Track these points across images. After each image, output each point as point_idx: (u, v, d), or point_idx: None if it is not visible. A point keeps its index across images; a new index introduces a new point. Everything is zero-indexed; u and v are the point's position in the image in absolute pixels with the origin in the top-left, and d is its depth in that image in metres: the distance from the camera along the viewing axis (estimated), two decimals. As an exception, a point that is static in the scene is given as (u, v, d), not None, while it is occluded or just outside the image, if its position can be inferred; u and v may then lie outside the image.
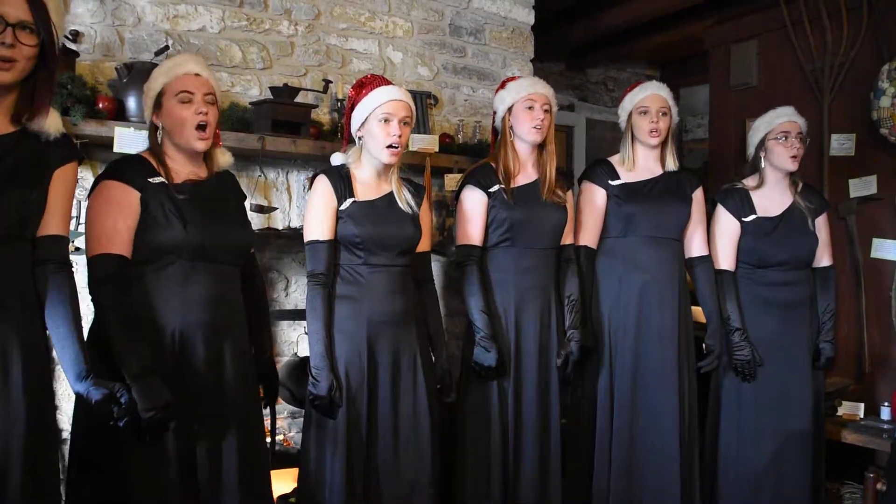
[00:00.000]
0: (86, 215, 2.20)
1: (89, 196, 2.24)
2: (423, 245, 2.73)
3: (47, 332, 1.95)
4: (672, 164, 3.14)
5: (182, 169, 2.28)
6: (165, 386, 2.00)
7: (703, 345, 3.13)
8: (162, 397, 1.97)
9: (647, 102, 3.06)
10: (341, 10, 3.67)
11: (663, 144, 3.12)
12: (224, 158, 2.41)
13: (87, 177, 3.06)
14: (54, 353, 1.97)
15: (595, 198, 3.09)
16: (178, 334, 2.15)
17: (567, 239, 3.02)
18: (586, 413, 3.09)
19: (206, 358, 2.18)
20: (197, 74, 2.26)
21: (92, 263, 2.11)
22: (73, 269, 2.04)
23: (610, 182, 3.08)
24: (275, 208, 3.32)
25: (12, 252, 1.87)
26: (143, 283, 2.16)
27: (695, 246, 3.19)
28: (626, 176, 3.10)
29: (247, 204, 2.60)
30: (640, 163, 3.13)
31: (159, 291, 2.15)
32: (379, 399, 2.53)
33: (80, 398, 1.94)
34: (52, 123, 1.90)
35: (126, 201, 2.16)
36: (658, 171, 3.14)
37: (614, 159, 3.17)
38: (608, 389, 3.04)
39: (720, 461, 3.20)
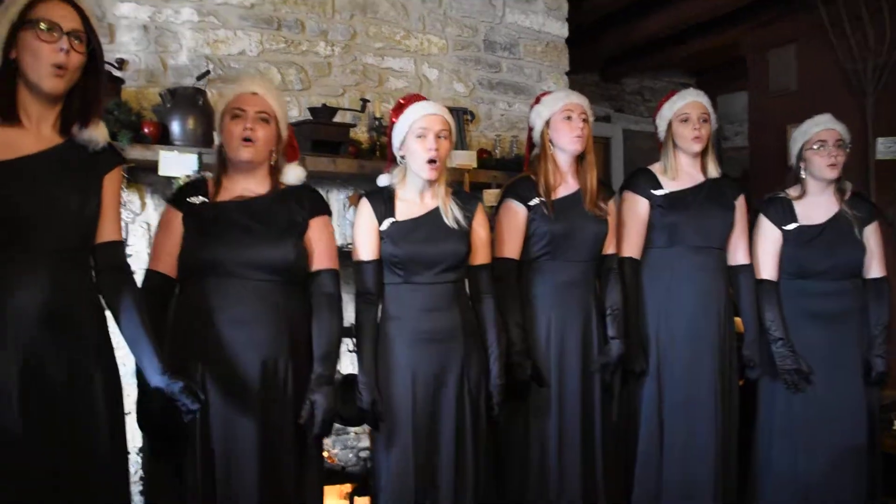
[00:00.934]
0: None
1: None
2: (479, 258, 2.69)
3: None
4: (714, 171, 3.10)
5: (237, 186, 2.33)
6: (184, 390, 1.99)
7: (742, 355, 3.09)
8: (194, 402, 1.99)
9: (687, 110, 3.03)
10: (377, 29, 3.72)
11: (704, 152, 3.09)
12: (292, 174, 2.42)
13: (133, 200, 3.14)
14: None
15: (638, 208, 3.06)
16: (205, 349, 2.19)
17: (609, 249, 2.98)
18: (629, 424, 3.06)
19: (227, 372, 2.19)
20: (254, 93, 2.31)
21: (144, 275, 2.27)
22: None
23: (653, 192, 3.05)
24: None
25: (79, 263, 1.93)
26: (182, 299, 2.28)
27: (738, 254, 3.14)
28: (668, 185, 3.07)
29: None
30: (683, 171, 3.09)
31: (192, 307, 2.24)
32: (429, 415, 2.53)
33: (144, 397, 2.01)
34: (100, 133, 1.96)
35: (171, 222, 2.29)
36: (700, 179, 3.10)
37: (656, 168, 3.12)
38: (656, 400, 3.00)
39: (769, 476, 3.14)
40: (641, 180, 3.09)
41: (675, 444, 2.96)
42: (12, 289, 1.79)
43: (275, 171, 2.38)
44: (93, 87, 1.91)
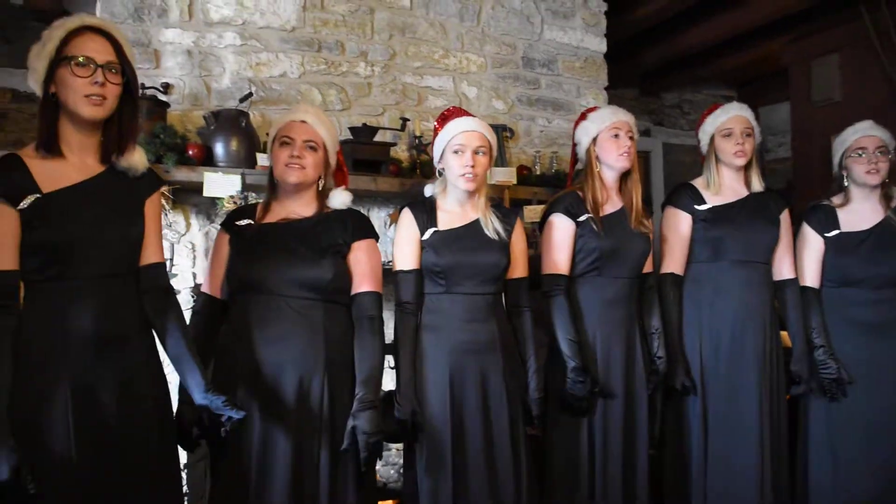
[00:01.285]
0: None
1: None
2: (517, 271, 2.70)
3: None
4: (758, 185, 3.07)
5: (284, 208, 2.41)
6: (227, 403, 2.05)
7: (790, 370, 3.03)
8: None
9: (730, 124, 3.00)
10: (415, 48, 3.75)
11: (748, 165, 3.06)
12: (338, 198, 2.46)
13: (178, 221, 3.20)
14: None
15: (680, 223, 3.03)
16: (244, 364, 2.24)
17: (648, 267, 2.97)
18: (673, 441, 3.02)
19: (265, 386, 2.22)
20: (302, 121, 2.38)
21: (195, 298, 2.38)
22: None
23: (696, 207, 3.02)
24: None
25: (126, 287, 1.99)
26: (229, 317, 2.37)
27: (783, 268, 3.10)
28: (711, 199, 3.04)
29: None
30: (726, 185, 3.06)
31: (234, 324, 2.32)
32: (466, 427, 2.53)
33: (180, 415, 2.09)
34: (139, 160, 2.03)
35: (220, 245, 2.42)
36: (744, 193, 3.07)
37: (698, 183, 3.10)
38: (701, 416, 2.96)
39: (811, 492, 3.07)
40: (684, 195, 3.07)
41: (718, 459, 2.92)
42: (63, 314, 1.85)
43: (321, 195, 2.43)
44: (128, 114, 1.97)
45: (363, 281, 2.40)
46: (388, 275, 3.44)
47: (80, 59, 1.84)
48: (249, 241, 2.35)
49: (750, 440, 2.90)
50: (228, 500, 2.21)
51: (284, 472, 2.20)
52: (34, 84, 1.90)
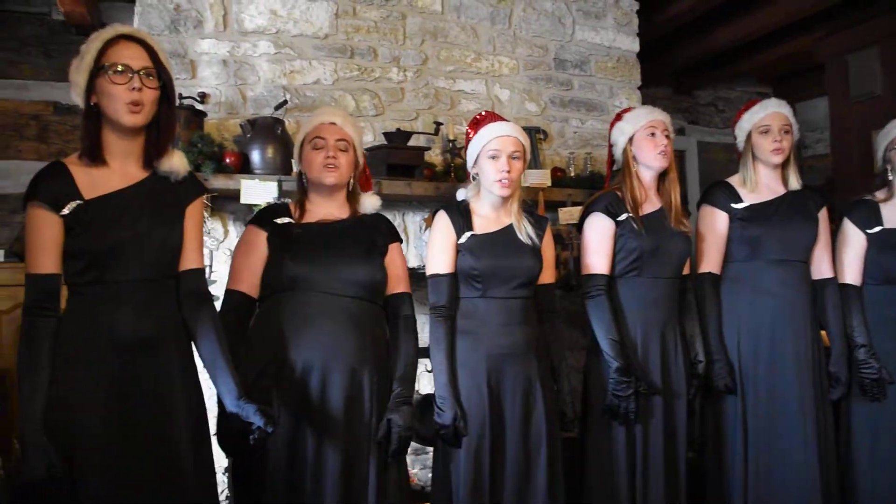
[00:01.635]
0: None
1: None
2: (546, 277, 2.71)
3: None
4: (795, 183, 3.02)
5: (319, 211, 2.42)
6: (264, 410, 2.03)
7: (829, 372, 2.98)
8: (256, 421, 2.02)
9: (767, 121, 2.96)
10: (447, 53, 3.76)
11: (785, 163, 3.01)
12: (370, 202, 2.51)
13: (217, 227, 3.24)
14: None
15: (717, 222, 3.00)
16: (291, 363, 2.23)
17: (686, 269, 2.95)
18: (712, 444, 2.98)
19: (315, 385, 2.23)
20: (332, 123, 2.41)
21: (224, 296, 2.33)
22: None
23: (732, 205, 2.99)
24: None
25: (164, 290, 2.02)
26: (266, 316, 2.32)
27: (822, 267, 3.05)
28: (748, 197, 3.00)
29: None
30: (763, 183, 3.02)
31: (277, 323, 2.28)
32: (505, 431, 2.52)
33: (224, 419, 2.07)
34: (179, 164, 2.06)
35: (254, 242, 2.35)
36: (781, 191, 3.03)
37: (734, 181, 3.06)
38: (741, 418, 2.92)
39: (856, 496, 3.01)
40: (720, 193, 3.04)
41: (758, 462, 2.88)
42: (101, 317, 1.90)
43: (352, 198, 2.46)
44: (166, 117, 2.01)
45: (399, 282, 2.47)
46: (424, 278, 3.46)
47: (118, 66, 1.89)
48: (297, 240, 2.33)
49: (792, 443, 2.85)
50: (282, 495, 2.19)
51: (334, 470, 2.20)
52: (76, 96, 1.95)
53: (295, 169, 2.48)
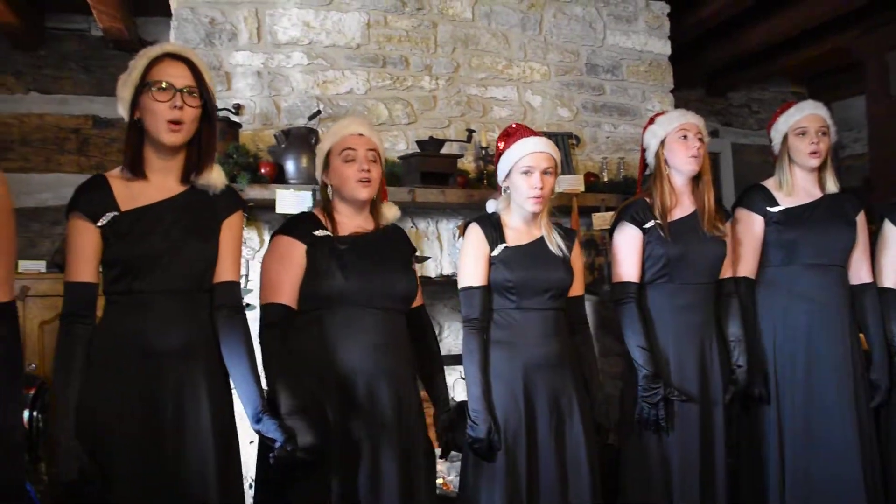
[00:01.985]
0: (261, 267, 2.37)
1: (266, 250, 2.41)
2: (577, 289, 2.71)
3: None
4: (832, 186, 2.98)
5: (349, 222, 2.40)
6: (313, 428, 2.06)
7: (869, 379, 2.92)
8: (305, 438, 2.04)
9: (804, 123, 2.93)
10: (479, 60, 3.77)
11: (822, 166, 2.97)
12: (391, 212, 2.50)
13: (252, 237, 3.28)
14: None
15: (753, 226, 2.97)
16: (342, 377, 2.24)
17: (727, 272, 2.91)
18: (748, 448, 2.95)
19: (366, 400, 2.25)
20: (360, 134, 2.38)
21: (261, 310, 2.29)
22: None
23: (768, 208, 2.96)
24: (427, 257, 3.41)
25: (196, 302, 2.05)
26: (312, 329, 2.28)
27: (861, 272, 2.99)
28: (784, 201, 2.96)
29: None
30: (799, 186, 2.98)
31: (325, 337, 2.27)
32: (539, 442, 2.51)
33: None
34: (217, 178, 2.10)
35: (292, 254, 2.30)
36: (817, 195, 2.98)
37: (770, 184, 3.03)
38: (776, 425, 2.89)
39: None
40: (755, 197, 3.00)
41: (795, 468, 2.85)
42: (133, 326, 1.95)
43: (375, 209, 2.45)
44: (207, 135, 2.06)
45: (420, 294, 2.54)
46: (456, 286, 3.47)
47: (161, 84, 1.94)
48: (335, 253, 2.30)
49: (831, 448, 2.81)
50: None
51: (391, 483, 2.22)
52: (122, 110, 2.01)
53: (319, 179, 2.44)
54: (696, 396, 2.75)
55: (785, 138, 2.98)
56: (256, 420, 2.01)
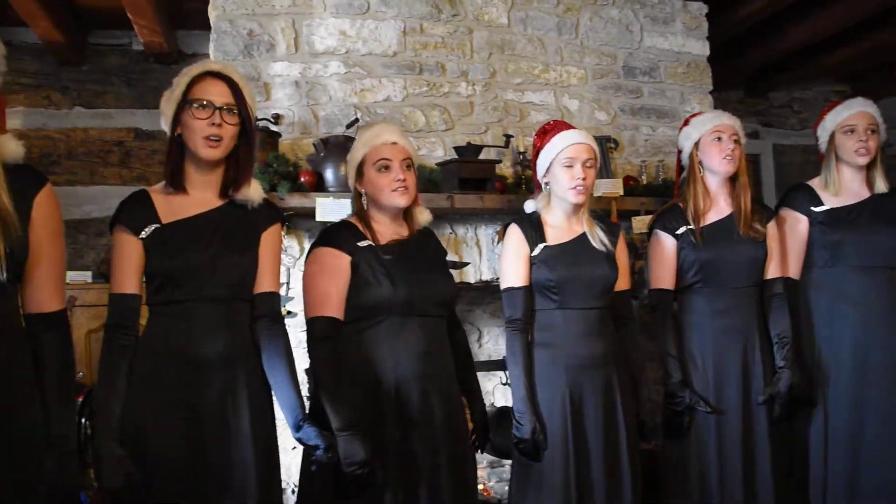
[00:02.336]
0: (302, 280, 2.36)
1: (305, 262, 2.40)
2: (622, 284, 2.66)
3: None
4: (882, 186, 2.90)
5: (386, 230, 2.39)
6: (366, 443, 2.09)
7: None
8: (358, 454, 2.06)
9: (853, 121, 2.86)
10: (515, 65, 3.77)
11: (871, 165, 2.90)
12: (423, 217, 2.49)
13: (293, 245, 3.31)
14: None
15: (797, 226, 2.91)
16: (394, 387, 2.24)
17: (773, 273, 2.84)
18: (797, 459, 2.89)
19: (419, 408, 2.25)
20: (394, 143, 2.36)
21: (309, 324, 2.28)
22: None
23: (812, 208, 2.90)
24: (467, 263, 3.41)
25: (236, 312, 2.07)
26: (359, 341, 2.26)
27: None
28: (830, 201, 2.90)
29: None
30: (846, 186, 2.91)
31: (374, 347, 2.26)
32: (587, 444, 2.49)
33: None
34: (254, 192, 2.13)
35: (337, 266, 2.28)
36: (865, 194, 2.91)
37: (815, 183, 2.97)
38: (822, 433, 2.82)
39: None
40: (800, 196, 2.95)
41: (840, 475, 2.79)
42: (174, 335, 1.98)
43: (409, 215, 2.44)
44: (245, 152, 2.09)
45: None
46: (497, 291, 3.46)
47: (202, 101, 1.99)
48: (381, 264, 2.28)
49: (877, 454, 2.74)
50: None
51: (449, 490, 2.25)
52: (165, 126, 2.06)
53: (352, 187, 2.43)
54: (737, 402, 2.71)
55: (832, 136, 2.92)
56: (297, 428, 2.03)
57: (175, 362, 1.95)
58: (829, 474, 2.80)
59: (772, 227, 2.84)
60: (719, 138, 2.78)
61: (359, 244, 2.31)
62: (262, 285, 2.13)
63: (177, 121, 2.01)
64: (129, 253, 1.98)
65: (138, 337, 1.99)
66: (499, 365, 3.42)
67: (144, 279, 2.02)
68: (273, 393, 2.10)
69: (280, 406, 2.08)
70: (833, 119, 2.91)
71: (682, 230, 2.79)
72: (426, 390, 2.26)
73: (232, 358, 2.01)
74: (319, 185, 3.18)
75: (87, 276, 4.05)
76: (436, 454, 2.24)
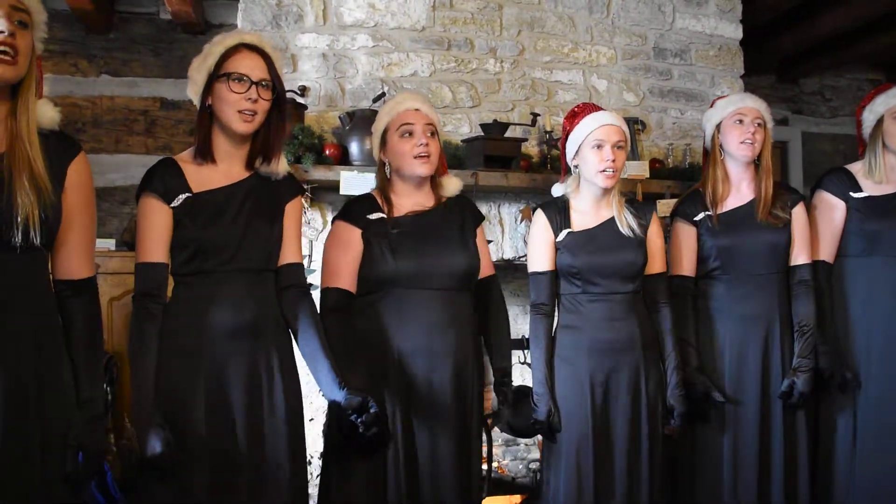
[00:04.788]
0: (322, 252, 2.40)
1: (327, 235, 2.42)
2: (655, 266, 2.63)
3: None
4: None
5: (407, 201, 2.39)
6: (378, 405, 2.08)
7: None
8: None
9: None
10: (544, 43, 3.73)
11: None
12: (452, 185, 2.49)
13: (315, 218, 3.31)
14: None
15: (832, 211, 2.84)
16: (398, 359, 2.26)
17: (799, 258, 2.78)
18: (821, 442, 2.85)
19: (422, 383, 2.26)
20: (417, 109, 2.37)
21: (321, 295, 2.32)
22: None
23: (851, 194, 2.83)
24: (489, 241, 3.38)
25: (264, 283, 2.08)
26: (369, 313, 2.31)
27: None
28: (869, 188, 2.81)
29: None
30: (890, 174, 2.85)
31: (380, 320, 2.29)
32: (608, 427, 2.49)
33: (333, 409, 2.09)
34: (281, 165, 2.14)
35: (349, 239, 2.33)
36: None
37: (855, 168, 2.87)
38: (850, 424, 2.79)
39: None
40: (837, 180, 2.87)
41: (865, 470, 2.75)
42: (202, 307, 1.98)
43: (435, 184, 2.44)
44: (276, 127, 2.08)
45: (488, 265, 2.53)
46: (518, 270, 3.45)
47: (237, 75, 1.96)
48: (390, 236, 2.31)
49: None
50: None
51: (450, 462, 2.26)
52: (193, 94, 2.04)
53: (376, 157, 2.44)
54: (756, 390, 2.69)
55: (880, 121, 2.81)
56: (333, 392, 2.03)
57: (202, 334, 1.96)
58: (856, 462, 2.76)
59: (798, 211, 2.77)
60: (741, 121, 2.72)
61: (370, 217, 2.33)
62: (287, 256, 2.14)
63: (208, 91, 1.99)
64: (159, 221, 1.97)
65: (166, 307, 1.98)
66: (518, 344, 3.41)
67: (171, 249, 2.00)
68: (306, 362, 2.10)
69: (314, 373, 2.08)
70: (884, 102, 2.80)
71: (700, 216, 2.75)
72: (434, 365, 2.26)
73: (261, 328, 2.02)
74: (344, 159, 3.18)
75: (110, 243, 4.06)
76: (436, 428, 2.25)
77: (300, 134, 3.11)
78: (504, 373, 2.46)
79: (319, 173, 3.09)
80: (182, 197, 1.98)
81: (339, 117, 3.25)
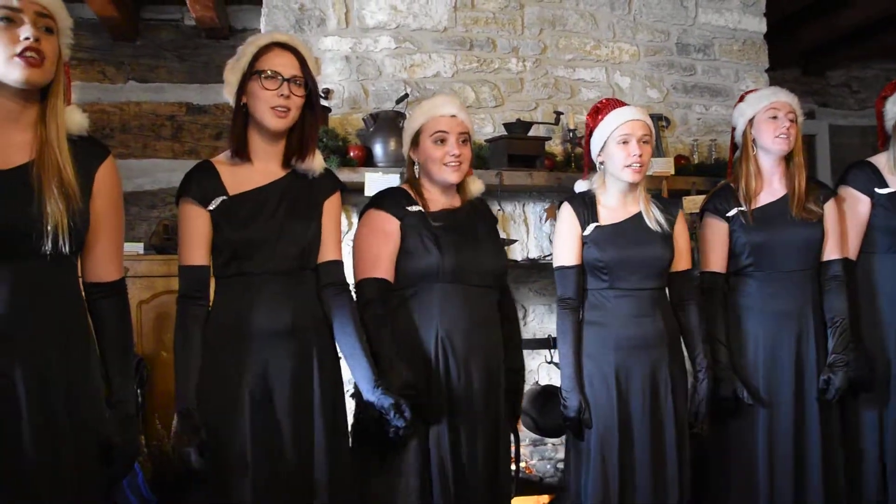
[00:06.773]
0: (353, 242, 2.39)
1: (358, 225, 2.42)
2: (681, 263, 2.62)
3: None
4: None
5: (437, 199, 2.40)
6: (409, 408, 2.08)
7: None
8: (406, 414, 2.06)
9: None
10: (566, 41, 3.72)
11: None
12: (475, 186, 2.51)
13: (342, 220, 3.32)
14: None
15: (857, 206, 2.81)
16: (437, 352, 2.26)
17: (831, 254, 2.76)
18: (847, 441, 2.82)
19: (460, 374, 2.27)
20: (453, 115, 2.37)
21: (358, 286, 2.30)
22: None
23: (876, 189, 2.80)
24: (514, 240, 3.39)
25: (302, 281, 2.10)
26: (407, 306, 2.30)
27: None
28: (894, 183, 2.79)
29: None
30: None
31: (420, 313, 2.29)
32: (633, 424, 2.48)
33: (362, 408, 2.11)
34: (317, 162, 2.16)
35: (387, 228, 2.31)
36: None
37: (880, 162, 2.84)
38: (877, 425, 2.76)
39: None
40: (862, 175, 2.83)
41: (893, 472, 2.73)
42: (243, 307, 2.00)
43: (461, 185, 2.45)
44: (310, 123, 2.11)
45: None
46: (543, 269, 3.45)
47: (269, 72, 1.99)
48: (431, 230, 2.30)
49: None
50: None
51: (478, 458, 2.27)
52: (228, 95, 2.07)
53: (406, 154, 2.44)
54: (790, 388, 2.66)
55: None
56: (368, 392, 2.05)
57: (245, 333, 1.98)
58: (886, 461, 2.73)
59: (830, 206, 2.75)
60: (775, 116, 2.70)
61: (409, 209, 2.33)
62: (326, 254, 2.16)
63: (242, 90, 2.02)
64: (198, 225, 2.01)
65: (209, 307, 2.03)
66: (544, 343, 3.41)
67: (212, 251, 2.04)
68: (345, 360, 2.13)
69: (353, 371, 2.10)
70: None
71: (733, 212, 2.73)
72: (469, 361, 2.27)
73: (301, 327, 2.04)
74: (368, 160, 3.20)
75: (138, 247, 4.11)
76: (469, 424, 2.26)
77: (324, 136, 3.13)
78: (514, 370, 2.50)
79: (344, 175, 3.09)
80: (218, 200, 2.01)
81: (363, 119, 3.27)
